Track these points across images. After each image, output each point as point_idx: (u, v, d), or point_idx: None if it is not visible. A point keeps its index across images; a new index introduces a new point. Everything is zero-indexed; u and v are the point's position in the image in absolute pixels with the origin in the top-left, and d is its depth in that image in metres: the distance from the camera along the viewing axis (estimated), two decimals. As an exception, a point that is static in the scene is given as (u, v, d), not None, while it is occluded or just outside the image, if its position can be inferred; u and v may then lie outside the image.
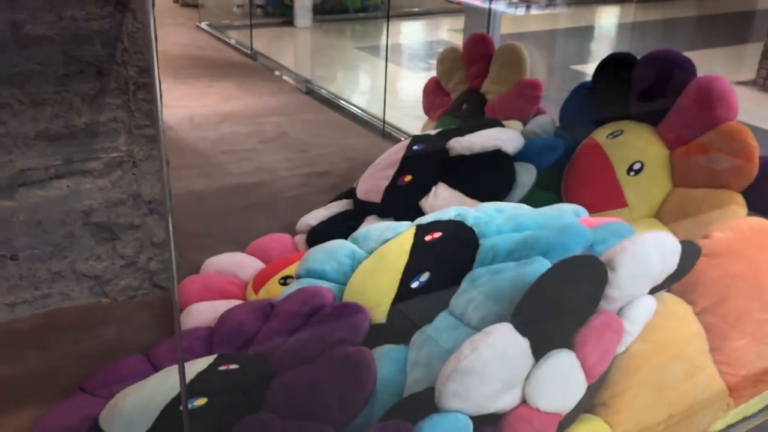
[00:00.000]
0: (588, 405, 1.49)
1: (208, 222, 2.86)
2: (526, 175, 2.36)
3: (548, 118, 2.66)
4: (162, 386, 1.56)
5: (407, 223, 2.02)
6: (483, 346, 1.22)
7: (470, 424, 1.25)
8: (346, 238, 2.12)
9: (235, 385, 1.53)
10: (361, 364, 1.46)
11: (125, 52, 2.05)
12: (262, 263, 2.39)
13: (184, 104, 4.25)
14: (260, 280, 2.20)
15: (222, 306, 2.08)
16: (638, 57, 2.41)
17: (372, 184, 2.50)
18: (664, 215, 2.11)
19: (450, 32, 7.48)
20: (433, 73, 3.41)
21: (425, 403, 1.28)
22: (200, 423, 1.43)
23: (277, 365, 1.61)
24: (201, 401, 1.47)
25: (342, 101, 4.40)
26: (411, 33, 7.73)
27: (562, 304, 1.33)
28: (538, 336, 1.30)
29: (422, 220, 1.96)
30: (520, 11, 7.56)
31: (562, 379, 1.34)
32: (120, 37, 2.01)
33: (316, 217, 2.57)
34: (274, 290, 2.09)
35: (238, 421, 1.41)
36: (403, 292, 1.67)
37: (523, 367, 1.30)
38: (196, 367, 1.64)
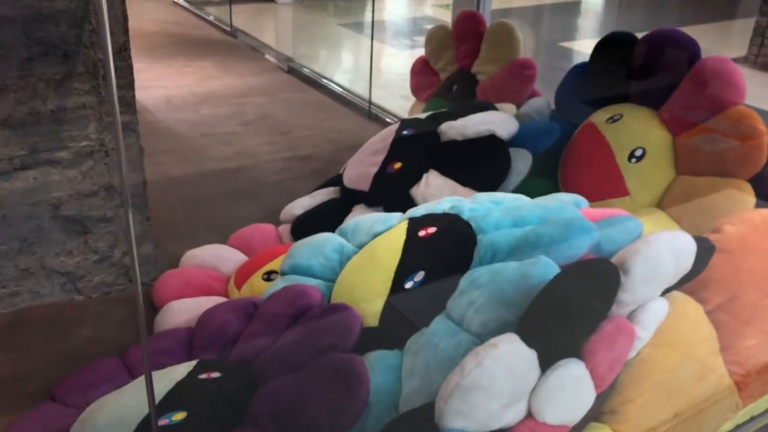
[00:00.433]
0: (596, 413, 1.40)
1: (187, 211, 2.73)
2: (522, 162, 2.25)
3: (543, 100, 2.55)
4: (137, 397, 1.44)
5: (398, 215, 1.91)
6: (488, 360, 1.12)
7: (473, 442, 1.15)
8: (333, 230, 2.01)
9: (216, 396, 1.42)
10: (353, 373, 1.35)
11: (93, 33, 1.90)
12: (244, 256, 2.27)
13: (160, 84, 4.08)
14: (243, 274, 2.08)
15: (203, 303, 1.96)
16: (637, 36, 2.30)
17: (360, 171, 2.38)
18: (667, 204, 2.01)
19: (435, 8, 7.31)
20: (419, 51, 3.27)
21: (424, 421, 1.18)
22: (179, 440, 1.32)
23: (262, 373, 1.50)
24: (180, 415, 1.36)
25: (325, 80, 4.25)
26: (394, 9, 7.56)
27: (571, 312, 1.22)
28: (546, 346, 1.20)
29: (414, 212, 1.85)
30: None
31: (570, 391, 1.24)
32: (87, 17, 1.86)
33: (301, 205, 2.44)
34: (257, 286, 1.98)
35: (220, 438, 1.30)
36: (396, 292, 1.56)
37: (530, 379, 1.20)
38: (174, 375, 1.53)
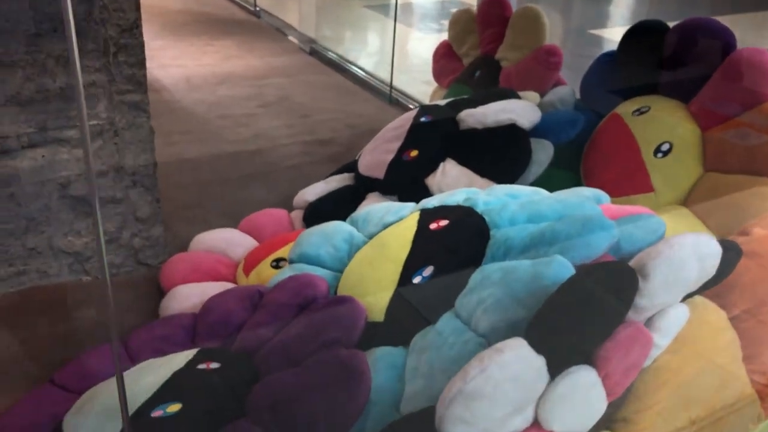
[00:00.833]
0: (607, 422, 1.33)
1: (200, 193, 2.69)
2: (543, 153, 2.17)
3: (568, 89, 2.46)
4: (133, 387, 1.40)
5: (411, 205, 1.84)
6: (493, 366, 1.06)
7: (475, 450, 1.10)
8: (346, 218, 1.95)
9: (214, 388, 1.38)
10: (355, 371, 1.30)
11: (104, 9, 1.85)
12: (254, 241, 2.23)
13: (181, 63, 4.04)
14: (251, 261, 2.03)
15: (210, 289, 1.93)
16: (669, 24, 2.19)
17: (375, 158, 2.32)
18: (693, 202, 1.92)
19: (464, -9, 7.17)
20: (445, 35, 3.19)
21: (426, 424, 1.12)
22: (173, 433, 1.28)
23: (263, 365, 1.45)
24: (174, 407, 1.32)
25: (347, 63, 4.18)
26: (423, -10, 7.42)
27: (584, 316, 1.15)
28: (556, 351, 1.14)
29: (427, 203, 1.78)
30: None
31: (580, 399, 1.18)
32: (97, -8, 1.81)
33: (314, 192, 2.39)
34: (265, 274, 1.93)
35: (215, 432, 1.26)
36: (404, 287, 1.50)
37: (538, 386, 1.13)
38: (173, 363, 1.49)
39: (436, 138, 2.28)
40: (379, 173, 2.27)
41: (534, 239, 1.43)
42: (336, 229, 1.83)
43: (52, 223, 2.01)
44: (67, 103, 1.90)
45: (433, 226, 1.62)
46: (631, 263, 1.20)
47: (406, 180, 2.22)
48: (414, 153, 2.25)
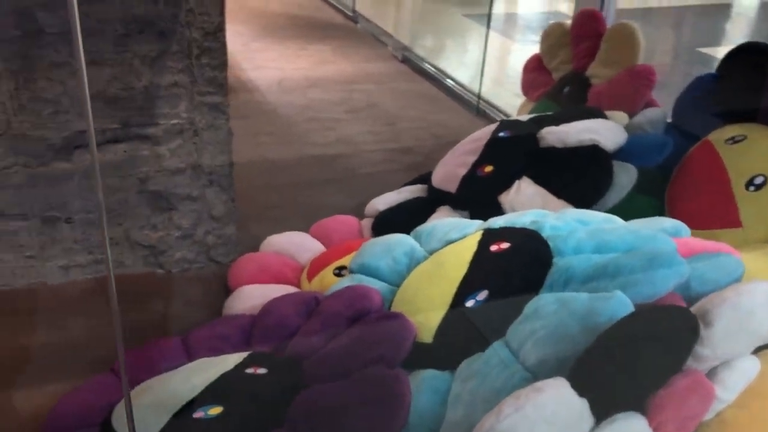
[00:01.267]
0: (661, 474, 1.24)
1: (278, 194, 2.73)
2: (625, 176, 2.06)
3: (659, 111, 2.33)
4: (182, 386, 1.43)
5: (477, 223, 1.79)
6: (529, 406, 1.00)
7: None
8: (412, 230, 1.92)
9: (256, 394, 1.38)
10: (395, 393, 1.27)
11: (190, 12, 1.90)
12: (323, 246, 2.24)
13: (276, 66, 4.12)
14: (315, 267, 2.04)
15: (272, 291, 1.94)
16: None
17: (448, 171, 2.28)
18: (787, 241, 1.77)
19: (570, 3, 6.98)
20: (542, 48, 3.10)
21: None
22: (212, 436, 1.29)
23: (309, 374, 1.45)
24: (216, 410, 1.33)
25: (438, 72, 4.14)
26: (527, 2, 7.28)
27: (637, 360, 1.08)
28: (602, 394, 1.06)
29: (493, 223, 1.72)
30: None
31: (628, 448, 1.10)
32: (183, -4, 1.87)
33: (385, 201, 2.37)
34: (327, 281, 1.93)
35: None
36: (456, 309, 1.45)
37: (580, 430, 1.06)
38: (223, 365, 1.51)
39: (513, 154, 2.21)
40: (452, 187, 2.22)
41: (596, 271, 1.35)
42: (398, 241, 1.81)
43: (130, 216, 2.09)
44: (150, 101, 1.97)
45: (493, 248, 1.56)
46: (694, 308, 1.11)
47: (478, 196, 2.17)
48: (489, 168, 2.19)
